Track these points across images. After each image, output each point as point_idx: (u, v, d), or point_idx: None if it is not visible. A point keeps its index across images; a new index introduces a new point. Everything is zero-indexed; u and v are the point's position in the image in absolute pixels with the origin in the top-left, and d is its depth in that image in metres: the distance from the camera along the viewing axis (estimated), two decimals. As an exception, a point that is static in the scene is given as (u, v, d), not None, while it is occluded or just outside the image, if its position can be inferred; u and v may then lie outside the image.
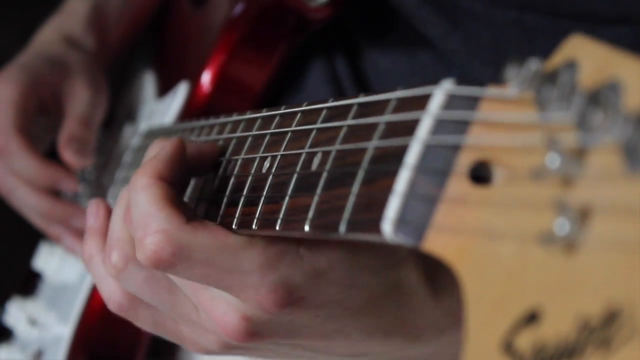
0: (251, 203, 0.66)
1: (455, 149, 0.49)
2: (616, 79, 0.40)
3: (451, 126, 0.50)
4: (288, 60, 1.00)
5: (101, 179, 1.12)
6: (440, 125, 0.50)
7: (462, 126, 0.49)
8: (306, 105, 0.66)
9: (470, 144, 0.48)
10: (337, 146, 0.59)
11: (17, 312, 1.16)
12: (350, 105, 0.60)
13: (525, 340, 0.41)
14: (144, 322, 0.73)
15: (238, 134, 0.74)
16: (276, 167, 0.65)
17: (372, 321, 0.67)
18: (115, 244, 0.69)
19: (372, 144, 0.55)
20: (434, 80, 0.93)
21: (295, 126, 0.66)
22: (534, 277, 0.42)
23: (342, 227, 0.54)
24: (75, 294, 1.06)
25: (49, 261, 1.18)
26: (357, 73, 0.99)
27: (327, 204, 0.57)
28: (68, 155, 1.07)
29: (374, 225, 0.51)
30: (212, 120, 0.82)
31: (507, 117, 0.46)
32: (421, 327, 0.68)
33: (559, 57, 0.45)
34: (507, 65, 0.45)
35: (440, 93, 0.51)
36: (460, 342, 0.46)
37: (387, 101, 0.56)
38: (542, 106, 0.44)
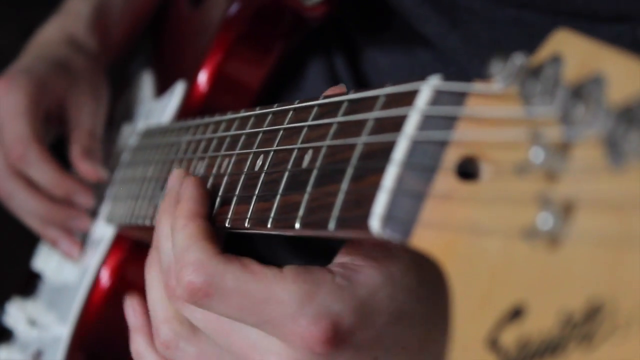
0: (244, 201, 0.66)
1: (442, 144, 0.48)
2: (600, 73, 0.40)
3: (438, 122, 0.49)
4: (287, 59, 1.00)
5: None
6: (427, 121, 0.50)
7: (449, 122, 0.49)
8: (298, 103, 0.66)
9: (457, 139, 0.48)
10: (327, 142, 0.59)
11: (17, 313, 1.16)
12: (340, 102, 0.60)
13: (510, 336, 0.41)
14: None
15: (232, 132, 0.74)
16: (268, 165, 0.65)
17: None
18: (161, 323, 0.69)
19: (361, 140, 0.55)
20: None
21: (287, 124, 0.66)
22: (519, 272, 0.42)
23: (332, 224, 0.54)
24: (74, 294, 1.06)
25: (48, 261, 1.17)
26: (356, 72, 0.99)
27: (317, 202, 0.57)
28: (86, 167, 1.06)
29: (362, 221, 0.51)
30: (206, 119, 0.82)
31: (493, 112, 0.46)
32: None
33: (544, 52, 0.44)
34: (492, 60, 0.45)
35: (427, 89, 0.51)
36: None
37: (376, 97, 0.56)
38: (527, 101, 0.43)
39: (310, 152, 0.60)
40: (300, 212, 0.58)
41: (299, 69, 1.01)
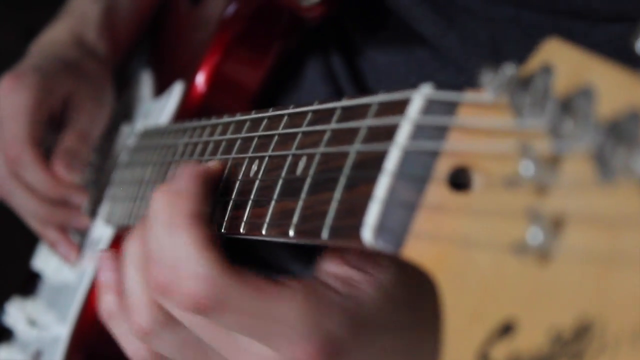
0: (239, 206, 0.66)
1: (434, 154, 0.48)
2: (590, 85, 0.40)
3: (430, 131, 0.49)
4: (285, 59, 1.00)
5: (98, 180, 1.11)
6: (419, 131, 0.50)
7: (440, 132, 0.48)
8: (293, 108, 0.65)
9: (448, 149, 0.47)
10: (320, 149, 0.58)
11: (17, 313, 1.16)
12: (333, 109, 0.59)
13: (500, 352, 0.41)
14: None
15: (228, 136, 0.74)
16: (263, 171, 0.65)
17: None
18: (141, 307, 0.67)
19: (354, 149, 0.54)
20: (431, 78, 0.92)
21: (282, 129, 0.65)
22: (509, 287, 0.41)
23: (325, 233, 0.54)
24: (74, 294, 1.06)
25: (48, 261, 1.17)
26: (354, 71, 0.99)
27: (311, 209, 0.57)
28: (58, 167, 1.06)
29: (355, 232, 0.50)
30: (203, 122, 0.82)
31: (484, 123, 0.45)
32: None
33: (535, 61, 0.44)
34: (482, 70, 0.44)
35: (419, 98, 0.50)
36: None
37: (368, 105, 0.55)
38: (517, 112, 0.43)
39: (304, 158, 0.60)
40: (295, 220, 0.58)
41: (297, 69, 1.01)
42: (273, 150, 0.65)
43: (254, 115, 0.71)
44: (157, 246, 0.63)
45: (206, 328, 0.63)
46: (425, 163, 0.48)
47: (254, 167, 0.66)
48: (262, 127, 0.69)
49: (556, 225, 0.39)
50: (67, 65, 1.11)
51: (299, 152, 0.61)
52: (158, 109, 1.06)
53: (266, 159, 0.65)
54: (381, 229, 0.49)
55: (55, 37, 1.17)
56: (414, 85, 0.52)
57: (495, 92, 0.44)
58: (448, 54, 0.87)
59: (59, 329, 1.07)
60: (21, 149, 1.05)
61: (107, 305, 0.74)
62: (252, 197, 0.65)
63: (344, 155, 0.55)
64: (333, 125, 0.58)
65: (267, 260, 0.98)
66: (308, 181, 0.58)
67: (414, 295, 0.61)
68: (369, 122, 0.55)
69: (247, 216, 0.64)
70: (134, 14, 1.21)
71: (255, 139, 0.68)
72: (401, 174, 0.49)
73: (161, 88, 1.11)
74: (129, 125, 1.14)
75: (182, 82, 1.03)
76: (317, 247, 0.71)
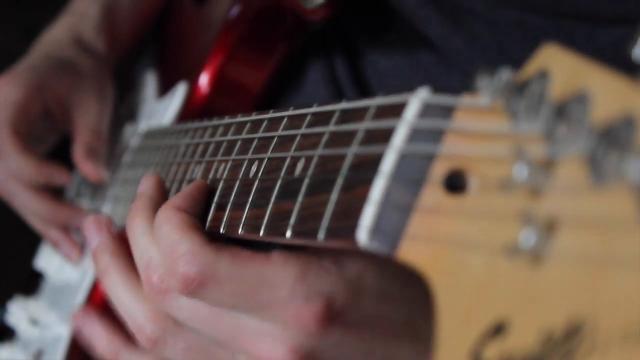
0: (238, 207, 0.66)
1: (430, 158, 0.48)
2: (585, 91, 0.40)
3: (426, 135, 0.49)
4: (287, 61, 1.00)
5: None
6: (415, 134, 0.50)
7: (436, 135, 0.49)
8: (292, 110, 0.66)
9: (444, 152, 0.48)
10: (318, 151, 0.59)
11: (19, 312, 1.16)
12: (332, 111, 0.60)
13: (492, 352, 0.41)
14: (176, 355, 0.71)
15: (228, 137, 0.74)
16: (262, 172, 0.65)
17: (418, 347, 0.63)
18: (143, 322, 0.70)
19: (351, 151, 0.55)
20: (435, 82, 0.92)
21: (282, 130, 0.66)
22: (502, 288, 0.41)
23: (321, 234, 0.54)
24: (76, 294, 1.06)
25: (50, 261, 1.18)
26: (356, 74, 0.99)
27: (308, 210, 0.57)
28: (89, 167, 1.07)
29: (350, 233, 0.51)
30: (205, 123, 0.82)
31: (480, 127, 0.46)
32: None
33: (531, 67, 0.44)
34: (479, 75, 0.44)
35: (416, 101, 0.51)
36: None
37: (366, 108, 0.56)
38: (513, 116, 0.43)
39: (302, 160, 0.60)
40: (292, 221, 0.58)
41: (300, 71, 1.01)
42: (272, 151, 0.65)
43: (254, 116, 0.72)
44: (144, 253, 0.67)
45: (207, 318, 0.65)
46: (421, 166, 0.49)
47: (254, 168, 0.67)
48: (262, 128, 0.69)
49: (549, 228, 0.40)
50: (62, 64, 1.13)
51: (298, 153, 0.61)
52: (161, 110, 1.07)
53: (265, 160, 0.66)
54: (376, 231, 0.49)
55: (53, 36, 1.18)
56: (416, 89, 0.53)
57: (491, 97, 0.45)
58: (453, 56, 0.87)
59: (60, 329, 1.08)
60: (0, 137, 1.07)
61: (102, 264, 0.76)
62: (250, 198, 0.65)
63: (342, 157, 0.55)
64: (331, 127, 0.59)
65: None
66: (306, 183, 0.58)
67: (412, 274, 0.62)
68: (366, 124, 0.55)
69: (246, 217, 0.65)
70: (135, 14, 1.22)
71: (255, 141, 0.69)
72: (397, 176, 0.49)
73: (165, 89, 1.11)
74: (132, 126, 1.14)
75: (185, 83, 1.03)
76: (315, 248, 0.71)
